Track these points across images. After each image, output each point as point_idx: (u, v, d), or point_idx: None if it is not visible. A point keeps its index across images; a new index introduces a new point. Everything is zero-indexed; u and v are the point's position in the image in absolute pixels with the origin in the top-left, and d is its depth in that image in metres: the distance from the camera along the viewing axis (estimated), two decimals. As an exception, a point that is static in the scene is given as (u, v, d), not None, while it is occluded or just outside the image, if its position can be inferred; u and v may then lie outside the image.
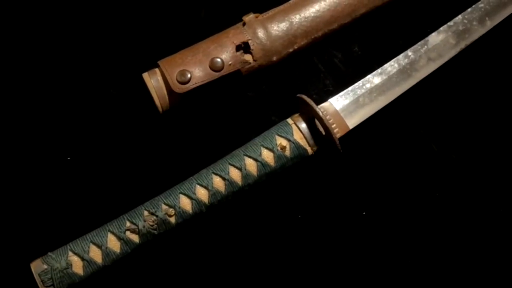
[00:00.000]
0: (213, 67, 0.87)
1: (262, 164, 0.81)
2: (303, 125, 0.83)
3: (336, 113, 0.85)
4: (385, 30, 0.95)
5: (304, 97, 0.83)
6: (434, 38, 0.90)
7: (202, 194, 0.79)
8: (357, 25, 0.93)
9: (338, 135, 0.83)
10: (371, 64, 0.91)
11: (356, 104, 0.86)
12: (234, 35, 0.89)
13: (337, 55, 0.94)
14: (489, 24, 0.92)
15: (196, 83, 0.86)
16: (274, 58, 0.90)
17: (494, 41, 0.93)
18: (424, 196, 0.87)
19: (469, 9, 0.91)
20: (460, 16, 0.91)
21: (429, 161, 0.89)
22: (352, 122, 0.86)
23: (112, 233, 0.77)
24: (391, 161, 0.89)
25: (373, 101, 0.87)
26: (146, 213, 0.78)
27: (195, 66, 0.87)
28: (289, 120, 0.84)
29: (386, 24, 0.95)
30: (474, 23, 0.91)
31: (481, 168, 0.89)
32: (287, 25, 0.90)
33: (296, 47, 0.91)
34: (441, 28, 0.90)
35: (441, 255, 0.85)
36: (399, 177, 0.88)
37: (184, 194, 0.79)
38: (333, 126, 0.83)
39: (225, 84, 0.89)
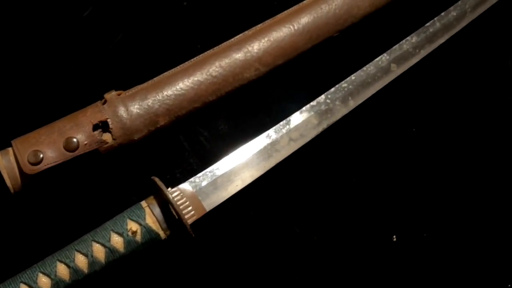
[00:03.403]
0: (68, 147, 0.84)
1: (110, 250, 0.78)
2: (156, 209, 0.81)
3: (193, 195, 0.83)
4: (251, 107, 0.94)
5: (156, 179, 0.81)
6: (296, 117, 0.90)
7: (44, 283, 0.76)
8: (223, 102, 0.92)
9: (193, 218, 0.81)
10: (237, 141, 0.90)
11: (214, 185, 0.84)
12: (92, 114, 0.87)
13: (202, 132, 0.93)
14: (352, 104, 0.92)
15: (48, 164, 0.83)
16: (136, 137, 0.88)
17: (356, 120, 0.93)
18: (285, 279, 0.84)
19: (332, 89, 0.92)
20: (323, 96, 0.92)
21: (291, 243, 0.87)
22: (209, 204, 0.84)
23: None
24: (252, 243, 0.87)
25: (232, 183, 0.85)
26: (-23, 306, 0.74)
27: (49, 146, 0.84)
28: (143, 203, 0.82)
29: (253, 101, 0.94)
30: (337, 102, 0.91)
31: (343, 251, 0.87)
32: (149, 103, 0.89)
33: (159, 126, 0.89)
34: (304, 108, 0.91)
35: None
36: (258, 260, 0.86)
37: (25, 283, 0.76)
38: (189, 209, 0.82)
39: (83, 164, 0.86)
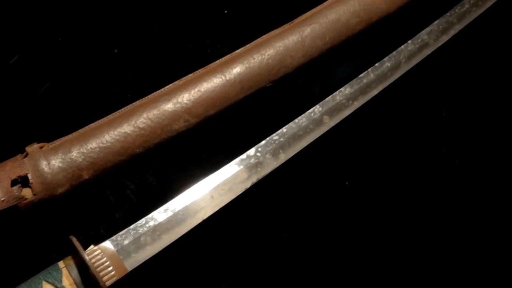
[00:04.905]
0: (-17, 204, 0.80)
1: (23, 315, 0.74)
2: (74, 270, 0.78)
3: (114, 255, 0.80)
4: (180, 159, 0.92)
5: (74, 239, 0.78)
6: (225, 171, 0.88)
7: None
8: (152, 154, 0.89)
9: (113, 279, 0.79)
10: (166, 195, 0.88)
11: (137, 244, 0.82)
12: (11, 168, 0.83)
13: (129, 186, 0.90)
14: (283, 157, 0.91)
15: (-39, 222, 0.79)
16: (58, 192, 0.85)
17: (287, 174, 0.91)
18: None
19: (263, 142, 0.91)
20: (253, 149, 0.90)
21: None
22: (132, 263, 0.81)
23: None
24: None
25: (156, 240, 0.83)
26: None
27: (-37, 203, 0.80)
28: (61, 264, 0.79)
29: (182, 153, 0.92)
30: (268, 156, 0.90)
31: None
32: (72, 157, 0.86)
33: (83, 180, 0.86)
34: (233, 161, 0.89)
35: None
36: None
37: None
38: (109, 269, 0.79)
39: (0, 221, 0.83)
